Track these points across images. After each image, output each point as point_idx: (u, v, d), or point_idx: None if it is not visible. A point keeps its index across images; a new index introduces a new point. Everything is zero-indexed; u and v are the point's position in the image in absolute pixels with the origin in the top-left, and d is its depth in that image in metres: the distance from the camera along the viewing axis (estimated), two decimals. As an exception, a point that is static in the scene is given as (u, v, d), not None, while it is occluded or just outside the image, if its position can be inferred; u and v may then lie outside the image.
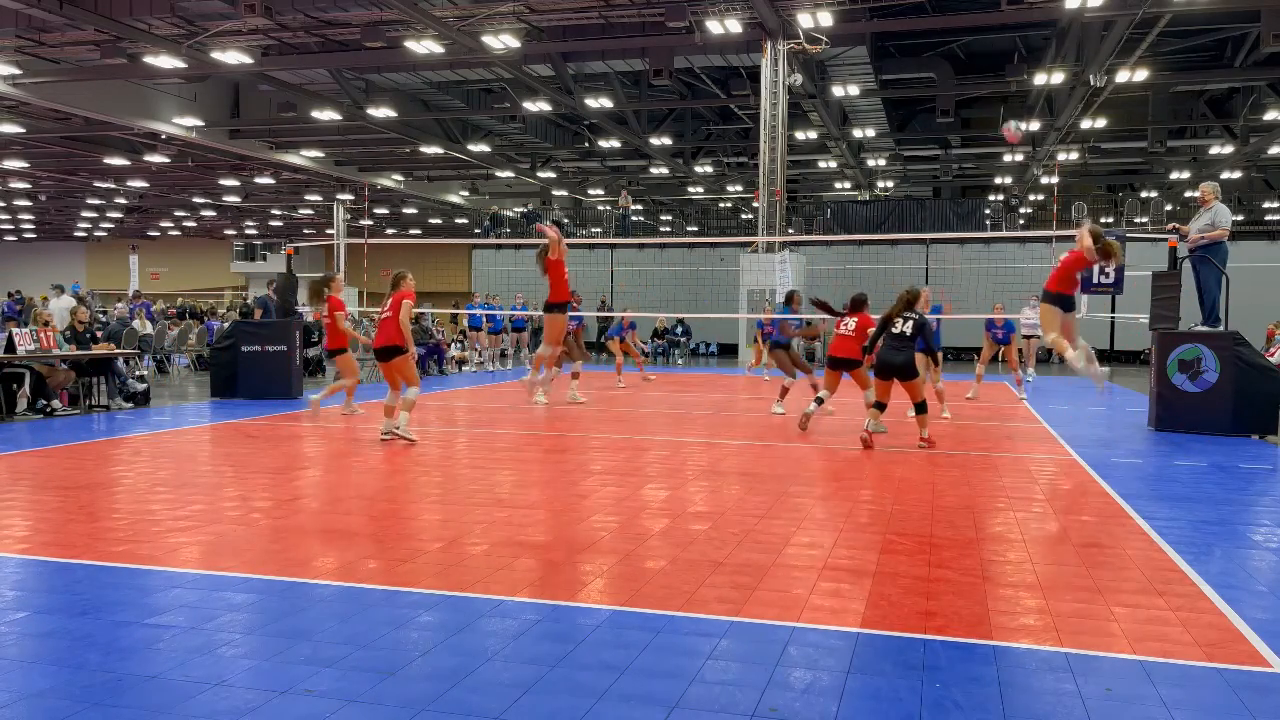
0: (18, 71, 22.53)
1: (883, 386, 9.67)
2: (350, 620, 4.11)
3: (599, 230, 35.16)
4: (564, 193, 42.54)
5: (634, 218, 35.36)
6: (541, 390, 12.50)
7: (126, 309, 22.20)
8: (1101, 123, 26.11)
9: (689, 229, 40.75)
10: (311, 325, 16.54)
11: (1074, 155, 31.42)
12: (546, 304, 11.73)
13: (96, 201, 47.70)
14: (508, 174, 37.46)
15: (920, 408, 9.63)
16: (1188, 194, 34.13)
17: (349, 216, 43.92)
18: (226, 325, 18.09)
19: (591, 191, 42.75)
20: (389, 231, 58.44)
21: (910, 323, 9.54)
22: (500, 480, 7.55)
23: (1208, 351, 10.63)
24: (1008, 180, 36.01)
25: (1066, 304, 9.51)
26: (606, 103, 25.46)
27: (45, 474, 7.61)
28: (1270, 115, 25.09)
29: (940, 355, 11.25)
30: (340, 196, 41.74)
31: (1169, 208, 31.45)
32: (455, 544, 5.45)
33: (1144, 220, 29.17)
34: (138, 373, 14.99)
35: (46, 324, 11.88)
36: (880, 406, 9.70)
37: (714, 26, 18.83)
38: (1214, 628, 4.15)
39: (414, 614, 4.20)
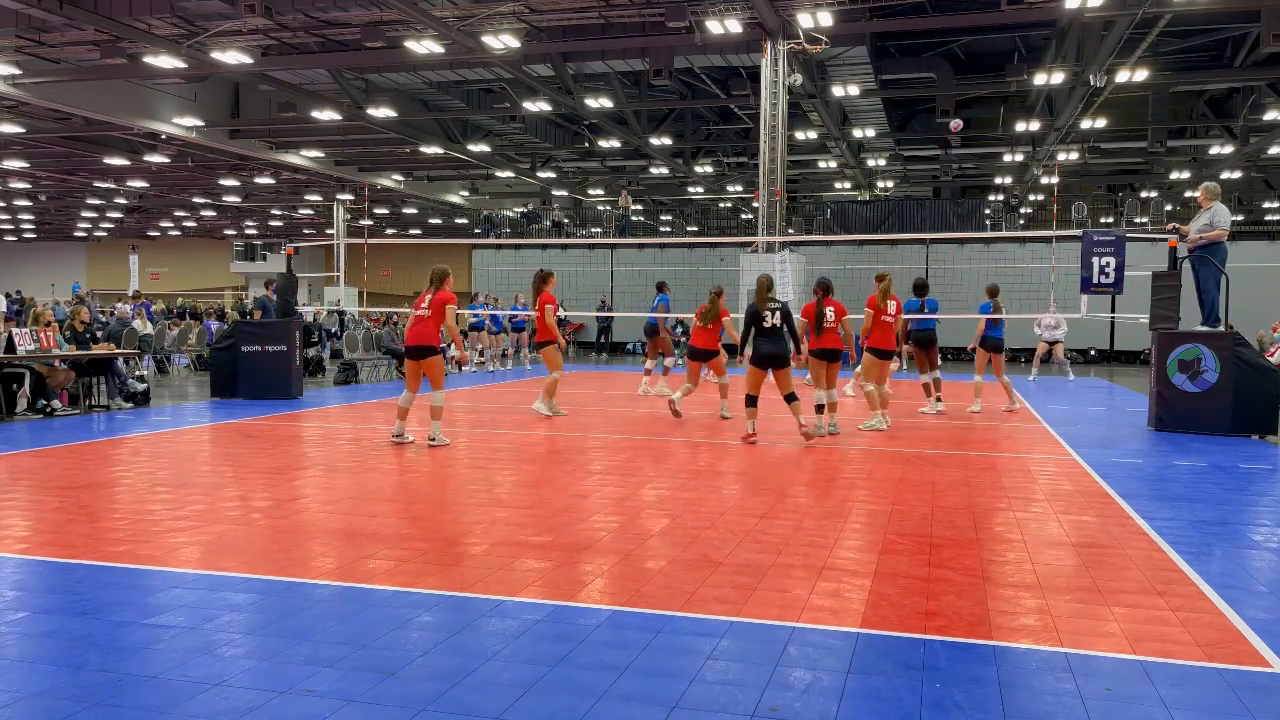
0: (18, 71, 22.52)
1: (758, 378, 9.68)
2: (350, 620, 4.11)
3: (599, 230, 35.15)
4: (564, 193, 42.55)
5: (634, 218, 35.35)
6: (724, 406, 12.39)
7: (80, 304, 22.15)
8: (1101, 123, 26.11)
9: (689, 229, 40.75)
10: (311, 325, 16.54)
11: (1074, 155, 31.42)
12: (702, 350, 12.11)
13: (96, 201, 47.72)
14: (508, 174, 37.46)
15: (792, 398, 9.66)
16: (1188, 194, 34.14)
17: (349, 216, 43.96)
18: (227, 325, 18.09)
19: (591, 191, 42.74)
20: (389, 231, 58.46)
21: (777, 312, 9.59)
22: (500, 480, 7.55)
23: (1208, 351, 10.63)
24: (1008, 180, 36.01)
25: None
26: (606, 103, 25.45)
27: (45, 474, 7.61)
28: (1270, 115, 25.09)
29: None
30: (340, 196, 41.78)
31: (1169, 208, 31.45)
32: (455, 544, 5.45)
33: (1144, 220, 29.16)
34: (138, 373, 15.00)
35: (48, 324, 11.88)
36: (754, 400, 9.74)
37: (714, 26, 18.82)
38: (1214, 628, 4.15)
39: (414, 614, 4.20)
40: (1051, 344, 19.59)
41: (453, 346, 20.92)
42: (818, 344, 10.28)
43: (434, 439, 9.25)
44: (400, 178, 40.23)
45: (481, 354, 21.72)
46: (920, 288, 12.85)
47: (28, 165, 36.54)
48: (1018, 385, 15.25)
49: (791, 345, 9.79)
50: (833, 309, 10.18)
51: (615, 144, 30.87)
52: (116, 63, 22.06)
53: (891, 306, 10.98)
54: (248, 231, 60.06)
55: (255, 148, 31.96)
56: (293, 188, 43.09)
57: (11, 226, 59.83)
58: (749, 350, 9.70)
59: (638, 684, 3.47)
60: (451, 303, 9.30)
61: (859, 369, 11.08)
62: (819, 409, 10.41)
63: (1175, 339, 10.89)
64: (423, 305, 9.31)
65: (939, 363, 13.05)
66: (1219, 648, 3.90)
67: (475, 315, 21.55)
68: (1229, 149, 28.85)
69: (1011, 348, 25.51)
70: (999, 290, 12.97)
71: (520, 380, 18.25)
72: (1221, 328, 10.89)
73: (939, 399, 12.66)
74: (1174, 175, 34.50)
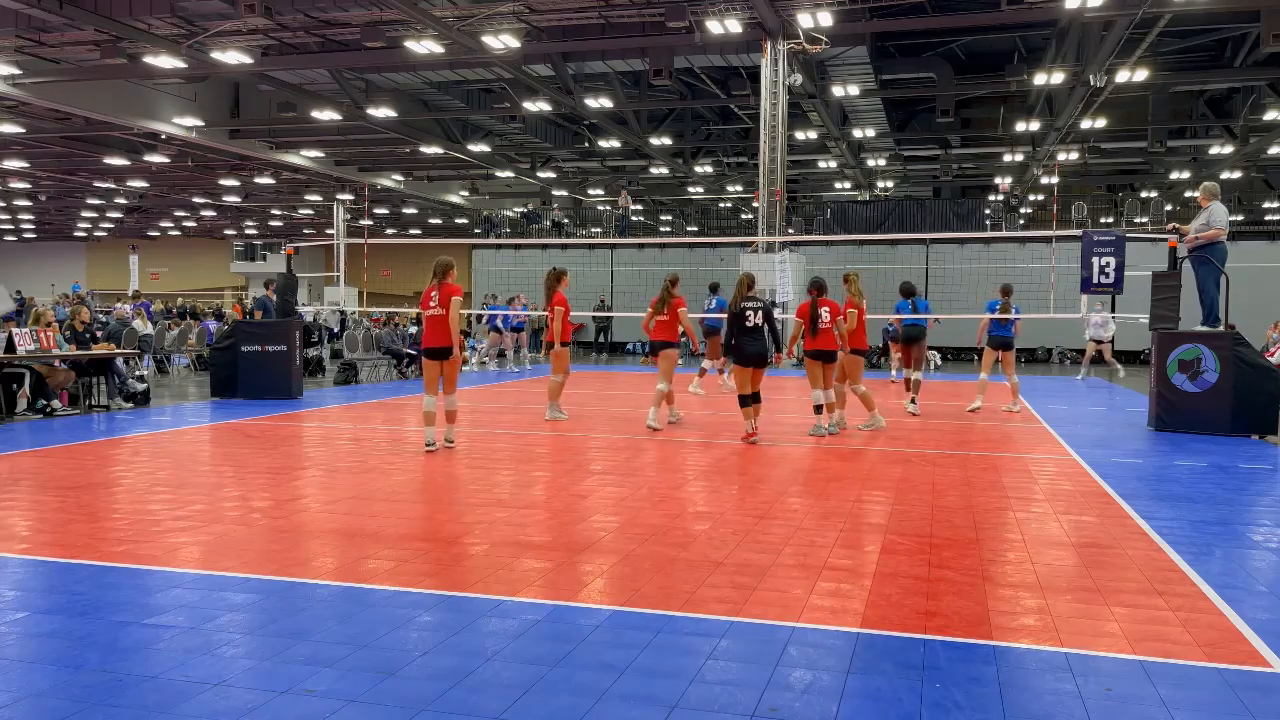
0: (18, 71, 22.53)
1: (747, 376, 9.71)
2: (350, 620, 4.11)
3: (599, 230, 35.16)
4: (564, 193, 42.55)
5: (634, 218, 35.32)
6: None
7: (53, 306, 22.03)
8: (1101, 123, 26.11)
9: (689, 229, 40.74)
10: (311, 325, 16.54)
11: (1074, 155, 31.42)
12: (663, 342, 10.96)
13: (96, 201, 47.72)
14: (508, 174, 37.46)
15: (756, 398, 9.76)
16: (1188, 194, 34.13)
17: (349, 216, 43.92)
18: (226, 326, 18.09)
19: (591, 191, 42.74)
20: (389, 231, 58.46)
21: (759, 312, 9.61)
22: (500, 480, 7.55)
23: (1208, 351, 10.63)
24: (1008, 180, 36.01)
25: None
26: (606, 103, 25.45)
27: (45, 474, 7.61)
28: (1270, 115, 25.08)
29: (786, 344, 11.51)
30: (340, 196, 41.77)
31: (1169, 208, 31.44)
32: (455, 544, 5.45)
33: (1144, 220, 29.16)
34: (138, 373, 14.99)
35: (48, 324, 11.87)
36: (756, 398, 9.76)
37: (714, 26, 18.83)
38: (1214, 628, 4.15)
39: (414, 614, 4.20)
40: (1099, 343, 19.73)
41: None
42: (814, 345, 10.22)
43: (449, 441, 9.15)
44: (400, 178, 40.23)
45: (486, 355, 21.67)
46: (907, 291, 13.08)
47: (28, 165, 36.54)
48: (1065, 387, 15.19)
49: (772, 345, 9.85)
50: (828, 309, 10.19)
51: (615, 144, 30.87)
52: (116, 63, 22.06)
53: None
54: (248, 231, 60.05)
55: (255, 148, 31.96)
56: (293, 188, 43.10)
57: (11, 226, 59.83)
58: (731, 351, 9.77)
59: (638, 684, 3.47)
60: (458, 296, 9.01)
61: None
62: (817, 409, 10.39)
63: (1175, 339, 10.89)
64: (432, 304, 8.93)
65: (924, 364, 13.16)
66: (1219, 648, 3.90)
67: (499, 316, 21.48)
68: (1229, 149, 28.85)
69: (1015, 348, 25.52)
70: (1012, 289, 12.93)
71: (521, 380, 18.25)
72: (1221, 328, 10.89)
73: (913, 400, 12.74)
74: (1174, 175, 34.49)
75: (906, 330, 13.05)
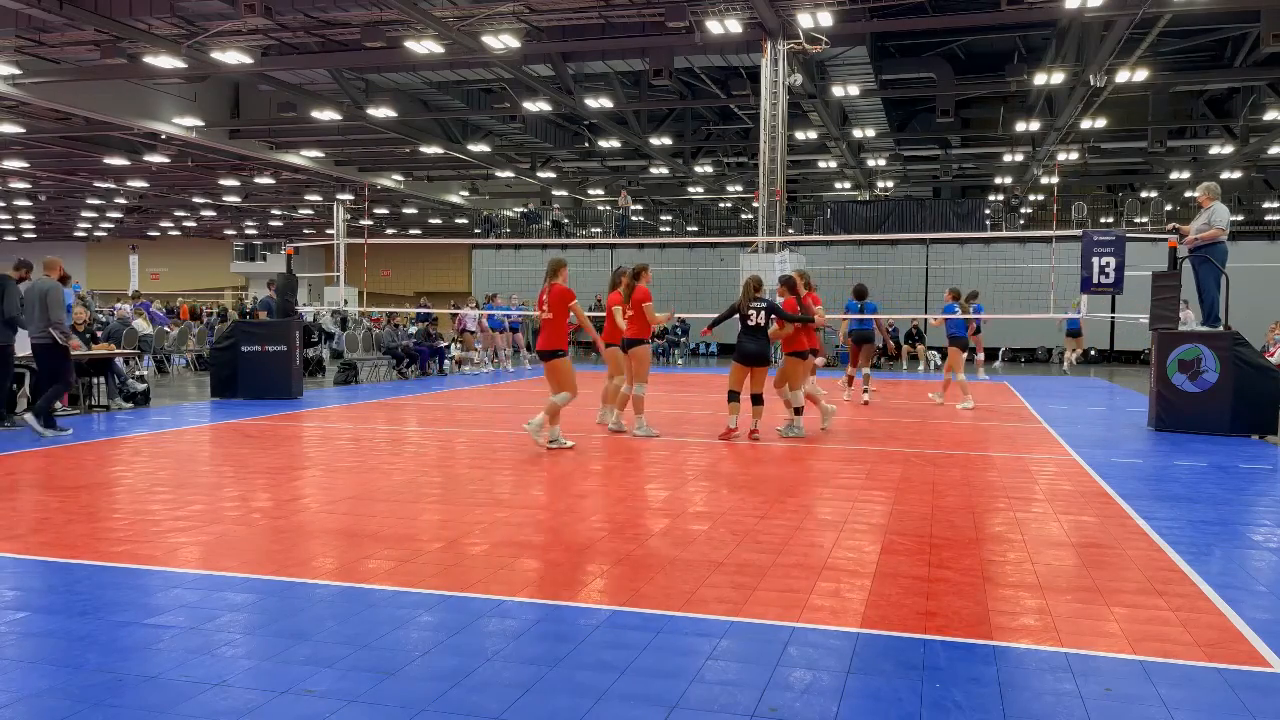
0: (18, 71, 22.54)
1: (741, 374, 9.76)
2: (350, 620, 4.12)
3: (599, 230, 35.14)
4: (564, 193, 42.55)
5: (634, 218, 35.32)
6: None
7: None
8: (1101, 123, 26.12)
9: (689, 229, 40.72)
10: (311, 325, 16.53)
11: (1074, 155, 31.42)
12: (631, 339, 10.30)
13: (96, 201, 47.73)
14: (508, 174, 37.46)
15: (758, 399, 9.86)
16: (1188, 194, 34.12)
17: (349, 216, 43.94)
18: (224, 326, 18.09)
19: (591, 191, 42.73)
20: (389, 231, 58.47)
21: (763, 312, 9.69)
22: (500, 480, 7.55)
23: (1208, 351, 10.63)
24: (1008, 180, 36.01)
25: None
26: (606, 103, 25.45)
27: (45, 474, 7.61)
28: (1270, 115, 25.09)
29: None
30: (340, 196, 41.77)
31: (1169, 208, 31.43)
32: (455, 544, 5.45)
33: (1144, 220, 29.16)
34: (138, 373, 14.99)
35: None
36: (736, 396, 9.85)
37: (714, 26, 18.83)
38: (1214, 628, 4.15)
39: (414, 614, 4.20)
40: None
41: (454, 347, 20.73)
42: (809, 344, 10.28)
43: (554, 441, 9.10)
44: (400, 178, 40.22)
45: (495, 355, 21.59)
46: (859, 293, 14.02)
47: (28, 165, 36.54)
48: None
49: (789, 327, 9.96)
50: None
51: (615, 144, 30.87)
52: (116, 63, 22.06)
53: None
54: (248, 231, 60.06)
55: (255, 148, 31.96)
56: (293, 188, 43.09)
57: (11, 226, 59.83)
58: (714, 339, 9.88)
59: (638, 684, 3.47)
60: (571, 299, 8.98)
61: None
62: (798, 411, 10.21)
63: (1175, 339, 10.90)
64: (544, 308, 9.05)
65: (871, 360, 14.25)
66: (1219, 648, 3.90)
67: (491, 314, 21.46)
68: (1229, 149, 28.85)
69: (1016, 347, 25.58)
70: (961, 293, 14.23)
71: (520, 381, 18.25)
72: (1221, 328, 10.90)
73: (866, 390, 13.98)
74: (1174, 175, 34.49)
75: (856, 333, 14.03)
